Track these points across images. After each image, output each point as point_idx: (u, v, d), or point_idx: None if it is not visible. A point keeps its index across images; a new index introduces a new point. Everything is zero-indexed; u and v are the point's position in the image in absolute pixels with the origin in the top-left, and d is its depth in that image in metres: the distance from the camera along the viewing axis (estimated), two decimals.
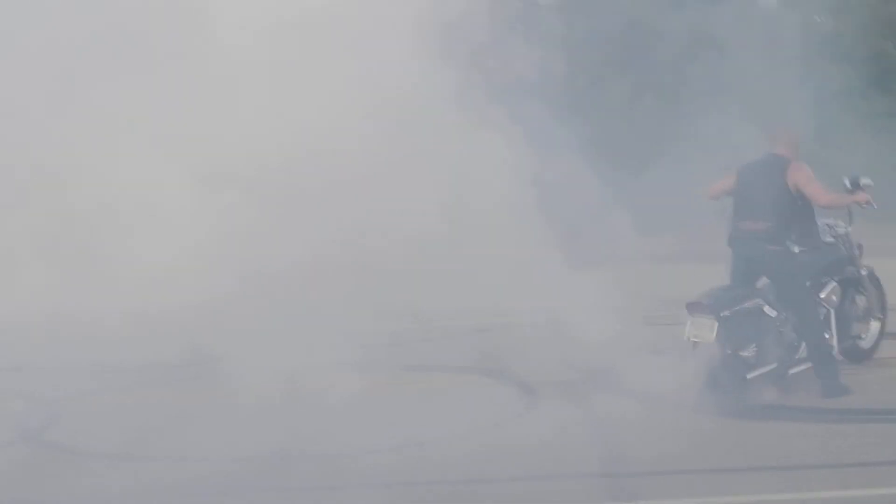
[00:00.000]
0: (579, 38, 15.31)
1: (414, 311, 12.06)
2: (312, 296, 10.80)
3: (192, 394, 9.65)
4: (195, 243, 10.87)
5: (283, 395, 8.93)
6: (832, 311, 9.14)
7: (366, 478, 6.89)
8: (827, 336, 8.99)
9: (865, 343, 9.70)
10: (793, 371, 8.80)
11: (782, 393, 8.76)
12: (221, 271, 10.84)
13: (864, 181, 9.36)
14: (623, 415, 8.12)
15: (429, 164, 11.67)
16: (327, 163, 11.44)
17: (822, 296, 9.02)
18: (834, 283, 9.18)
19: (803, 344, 8.86)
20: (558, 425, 7.94)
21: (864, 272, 9.65)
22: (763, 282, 9.01)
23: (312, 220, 11.50)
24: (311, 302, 10.43)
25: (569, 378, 9.44)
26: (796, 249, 8.90)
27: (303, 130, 11.55)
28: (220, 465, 7.23)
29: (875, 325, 9.77)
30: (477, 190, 11.26)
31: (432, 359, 10.72)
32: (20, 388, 10.03)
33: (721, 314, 8.40)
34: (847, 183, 9.40)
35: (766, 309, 8.75)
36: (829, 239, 9.31)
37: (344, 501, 6.66)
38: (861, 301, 9.71)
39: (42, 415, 9.21)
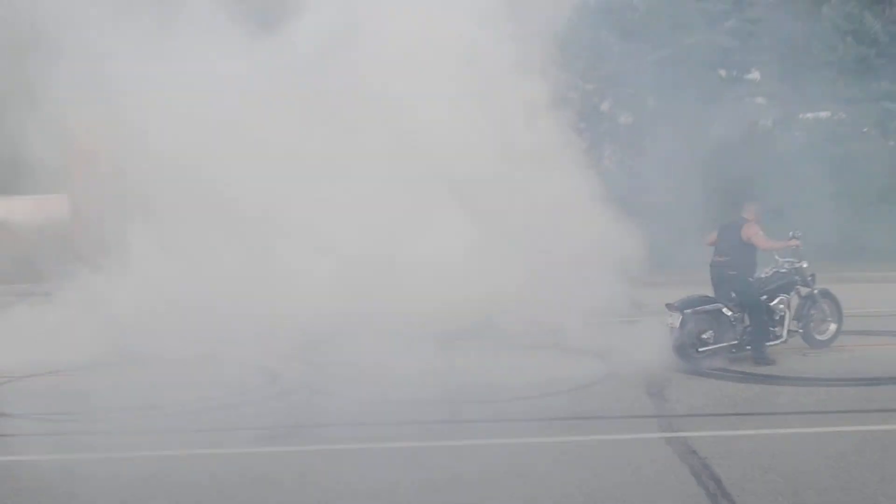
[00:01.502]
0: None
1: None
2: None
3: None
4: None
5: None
6: (787, 314, 11.78)
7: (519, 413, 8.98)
8: (777, 329, 11.61)
9: (823, 337, 12.06)
10: (747, 348, 11.39)
11: (735, 361, 11.27)
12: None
13: (797, 234, 11.93)
14: (639, 375, 10.51)
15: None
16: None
17: (772, 304, 11.62)
18: (784, 296, 11.73)
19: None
20: (609, 379, 10.50)
21: (816, 291, 12.01)
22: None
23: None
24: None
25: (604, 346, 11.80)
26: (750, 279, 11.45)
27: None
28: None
29: (833, 326, 12.09)
30: None
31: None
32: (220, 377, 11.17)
33: (684, 311, 11.24)
34: (790, 234, 11.91)
35: (724, 310, 11.39)
36: (784, 270, 11.89)
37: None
38: (819, 309, 12.06)
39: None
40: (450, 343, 11.91)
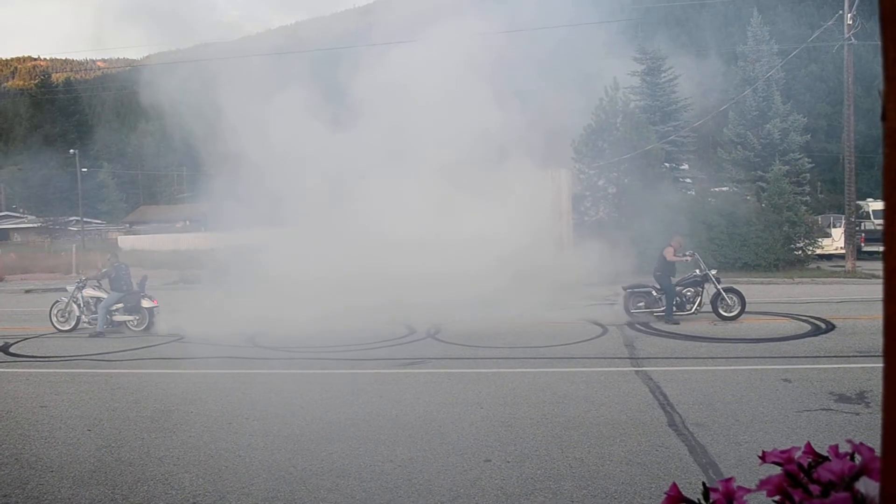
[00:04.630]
0: None
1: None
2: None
3: None
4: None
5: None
6: (699, 299, 10.49)
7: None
8: (687, 306, 10.46)
9: (729, 315, 10.41)
10: (661, 313, 10.48)
11: (656, 320, 10.44)
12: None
13: (689, 252, 11.08)
14: (618, 334, 9.33)
15: None
16: None
17: (685, 292, 10.61)
18: (695, 288, 10.57)
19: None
20: (601, 336, 9.22)
21: (721, 287, 10.53)
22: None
23: None
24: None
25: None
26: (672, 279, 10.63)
27: None
28: None
29: (737, 309, 10.41)
30: None
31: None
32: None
33: (628, 290, 10.86)
34: (686, 253, 11.00)
35: (654, 291, 10.72)
36: (697, 272, 10.67)
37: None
38: (724, 298, 10.42)
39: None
40: (493, 303, 10.76)
